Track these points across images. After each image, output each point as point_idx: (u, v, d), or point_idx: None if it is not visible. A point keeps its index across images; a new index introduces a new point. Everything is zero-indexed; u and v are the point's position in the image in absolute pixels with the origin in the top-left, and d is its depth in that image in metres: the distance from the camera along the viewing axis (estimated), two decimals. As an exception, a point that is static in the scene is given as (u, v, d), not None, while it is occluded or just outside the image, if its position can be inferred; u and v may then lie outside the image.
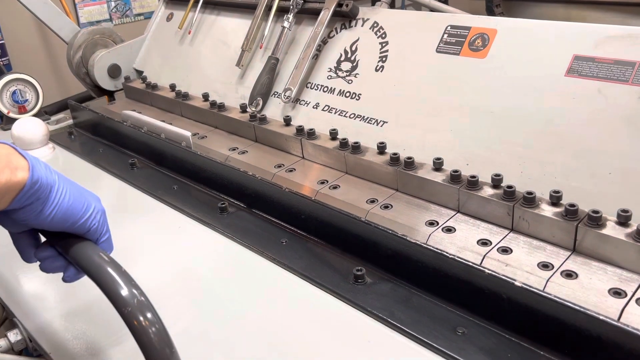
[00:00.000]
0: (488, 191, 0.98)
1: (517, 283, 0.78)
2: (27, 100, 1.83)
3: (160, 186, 1.36)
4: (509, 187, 0.95)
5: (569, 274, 0.84)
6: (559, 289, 0.82)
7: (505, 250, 0.91)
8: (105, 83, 1.91)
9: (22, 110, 1.82)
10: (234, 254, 1.09)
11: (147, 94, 1.78)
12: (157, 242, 1.16)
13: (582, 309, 0.72)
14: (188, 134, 1.27)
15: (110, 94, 1.97)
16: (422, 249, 0.89)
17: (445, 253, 0.86)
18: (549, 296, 0.75)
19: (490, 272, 0.81)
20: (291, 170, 1.26)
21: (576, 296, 0.80)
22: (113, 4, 3.29)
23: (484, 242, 0.94)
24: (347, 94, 1.32)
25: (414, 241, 0.90)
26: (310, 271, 0.99)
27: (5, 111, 1.80)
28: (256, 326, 0.89)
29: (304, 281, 0.98)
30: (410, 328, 0.84)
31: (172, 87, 1.71)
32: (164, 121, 1.60)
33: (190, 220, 1.21)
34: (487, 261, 0.90)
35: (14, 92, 1.81)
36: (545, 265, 0.86)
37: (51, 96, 2.09)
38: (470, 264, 0.84)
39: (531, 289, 0.77)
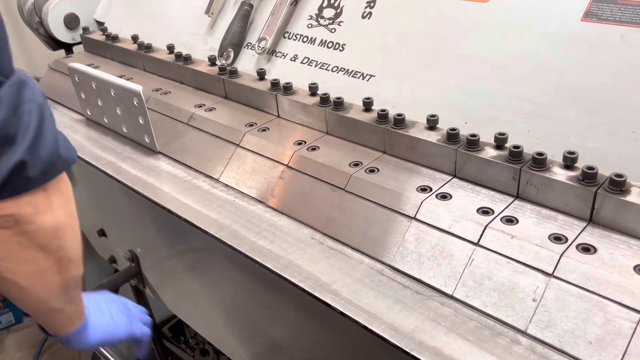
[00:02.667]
0: (490, 152, 0.85)
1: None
2: None
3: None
4: (516, 147, 0.81)
5: (586, 248, 0.71)
6: (576, 266, 0.69)
7: (510, 220, 0.78)
8: (61, 34, 1.72)
9: None
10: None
11: (107, 47, 1.59)
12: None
13: None
14: (139, 88, 1.10)
15: (68, 48, 1.78)
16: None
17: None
18: None
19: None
20: (264, 130, 1.11)
21: (596, 274, 0.67)
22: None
23: (484, 211, 0.80)
24: (330, 45, 1.17)
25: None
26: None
27: None
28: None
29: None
30: None
31: (135, 38, 1.53)
32: (122, 76, 1.43)
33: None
34: (489, 232, 0.77)
35: None
36: (557, 238, 0.74)
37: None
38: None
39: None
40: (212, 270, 1.15)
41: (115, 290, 1.56)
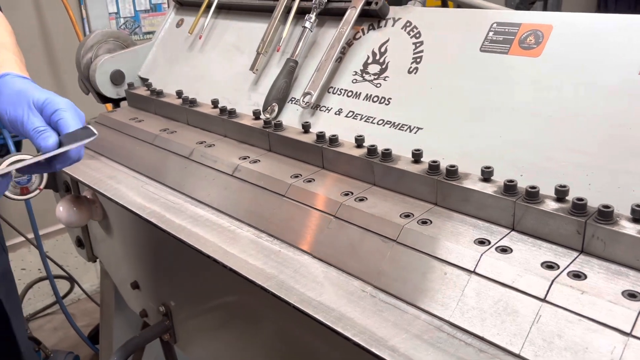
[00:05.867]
0: (551, 205, 0.82)
1: None
2: (30, 179, 1.59)
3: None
4: (579, 199, 0.78)
5: (666, 306, 0.67)
6: (657, 325, 0.64)
7: (578, 276, 0.74)
8: (107, 90, 1.77)
9: (25, 191, 1.56)
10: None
11: (151, 101, 1.64)
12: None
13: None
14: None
15: (114, 103, 1.84)
16: None
17: None
18: None
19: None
20: (310, 181, 1.10)
21: (681, 334, 0.63)
22: (122, 20, 3.21)
23: (549, 265, 0.77)
24: (375, 99, 1.18)
25: None
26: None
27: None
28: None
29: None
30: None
31: (179, 93, 1.57)
32: (166, 129, 1.45)
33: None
34: (557, 287, 0.73)
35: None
36: (632, 295, 0.69)
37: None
38: None
39: None
40: (252, 324, 1.11)
41: (143, 344, 1.52)
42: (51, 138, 0.92)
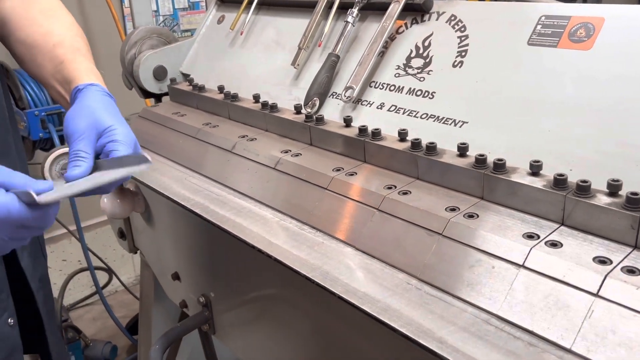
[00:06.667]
0: (603, 199, 0.81)
1: None
2: None
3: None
4: (634, 193, 0.77)
5: None
6: None
7: (632, 271, 0.73)
8: (150, 85, 1.81)
9: None
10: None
11: (193, 96, 1.67)
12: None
13: None
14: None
15: (156, 98, 1.88)
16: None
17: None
18: None
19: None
20: (352, 174, 1.10)
21: None
22: (161, 18, 3.27)
23: (601, 260, 0.75)
24: (419, 93, 1.17)
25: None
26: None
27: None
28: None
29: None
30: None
31: (221, 88, 1.60)
32: (208, 124, 1.47)
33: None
34: (610, 282, 0.71)
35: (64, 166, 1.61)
36: (690, 292, 0.68)
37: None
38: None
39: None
40: (292, 316, 1.12)
41: (183, 334, 1.55)
42: (78, 169, 0.87)
